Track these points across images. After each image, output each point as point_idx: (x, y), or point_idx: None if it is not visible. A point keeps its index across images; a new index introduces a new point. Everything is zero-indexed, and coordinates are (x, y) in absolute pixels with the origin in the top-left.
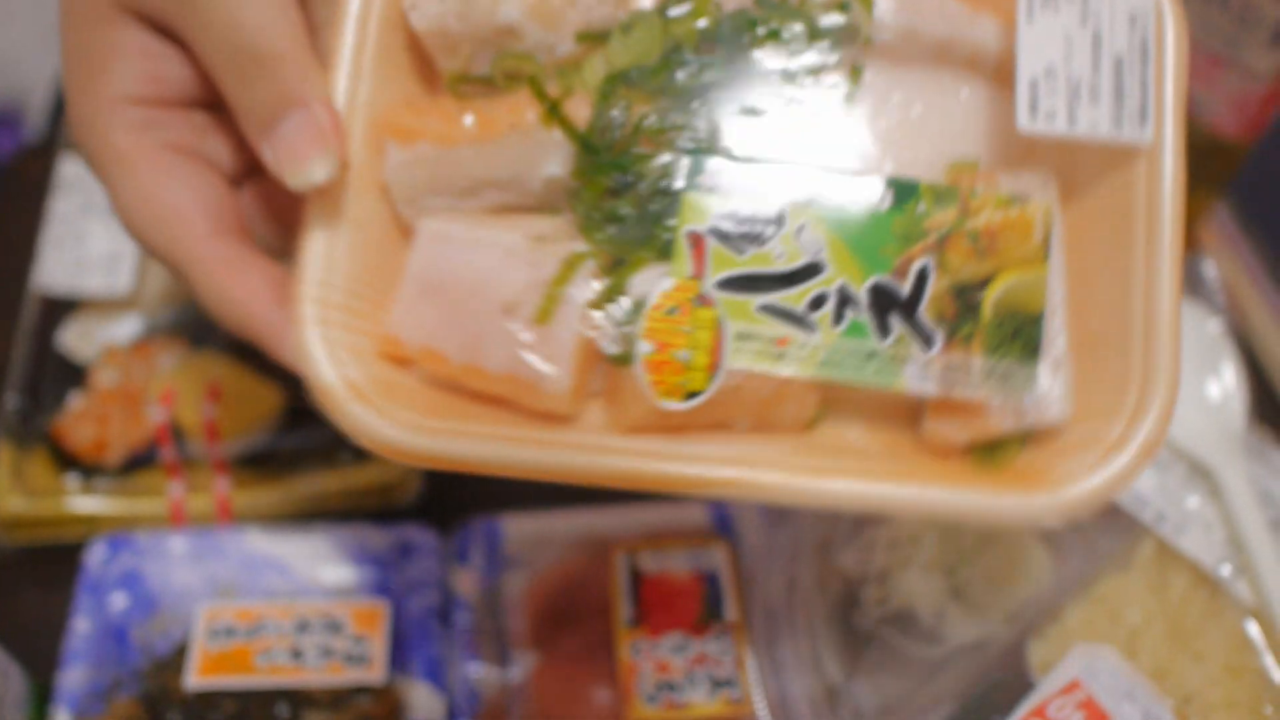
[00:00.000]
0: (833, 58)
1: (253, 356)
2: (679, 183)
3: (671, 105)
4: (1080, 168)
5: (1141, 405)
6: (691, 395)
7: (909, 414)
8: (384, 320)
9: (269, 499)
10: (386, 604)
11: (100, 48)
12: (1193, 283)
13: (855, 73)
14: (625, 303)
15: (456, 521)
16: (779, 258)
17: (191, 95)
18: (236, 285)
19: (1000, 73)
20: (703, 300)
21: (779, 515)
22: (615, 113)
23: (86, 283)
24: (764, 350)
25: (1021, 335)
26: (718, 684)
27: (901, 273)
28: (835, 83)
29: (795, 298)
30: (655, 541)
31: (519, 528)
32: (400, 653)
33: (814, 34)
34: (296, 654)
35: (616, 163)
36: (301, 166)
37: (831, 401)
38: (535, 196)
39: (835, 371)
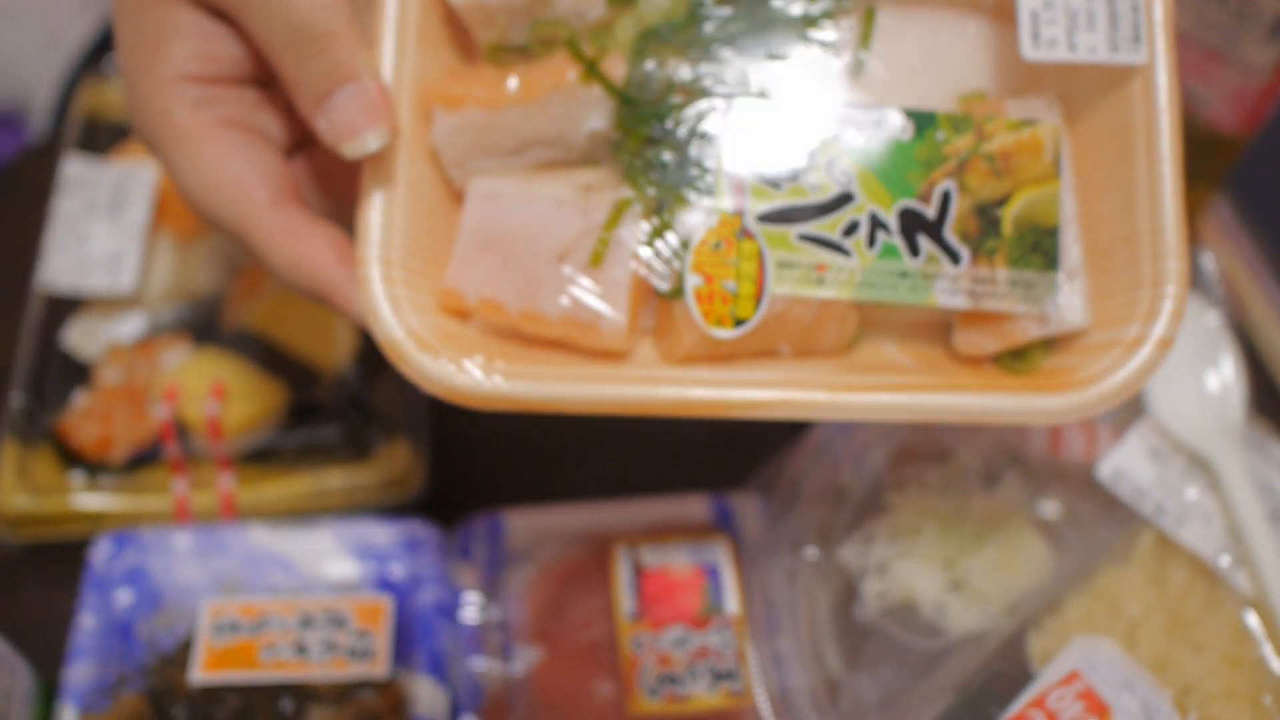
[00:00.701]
0: (848, 1)
1: (256, 353)
2: (714, 127)
3: (701, 56)
4: (1081, 91)
5: (1155, 305)
6: (740, 323)
7: (941, 329)
8: (442, 276)
9: (273, 495)
10: (390, 599)
11: (156, 30)
12: (1192, 275)
13: (869, 15)
14: (672, 240)
15: (459, 517)
16: (813, 190)
17: (243, 72)
18: (302, 248)
19: (1000, 9)
20: (745, 234)
21: (779, 509)
22: (649, 67)
23: (90, 282)
24: (805, 276)
25: (1040, 247)
26: (719, 676)
27: (926, 197)
28: (851, 25)
29: (830, 225)
30: (656, 535)
31: (521, 522)
32: (404, 647)
33: None
34: (301, 649)
35: (655, 112)
36: (356, 136)
37: (869, 323)
38: (579, 151)
39: (872, 292)
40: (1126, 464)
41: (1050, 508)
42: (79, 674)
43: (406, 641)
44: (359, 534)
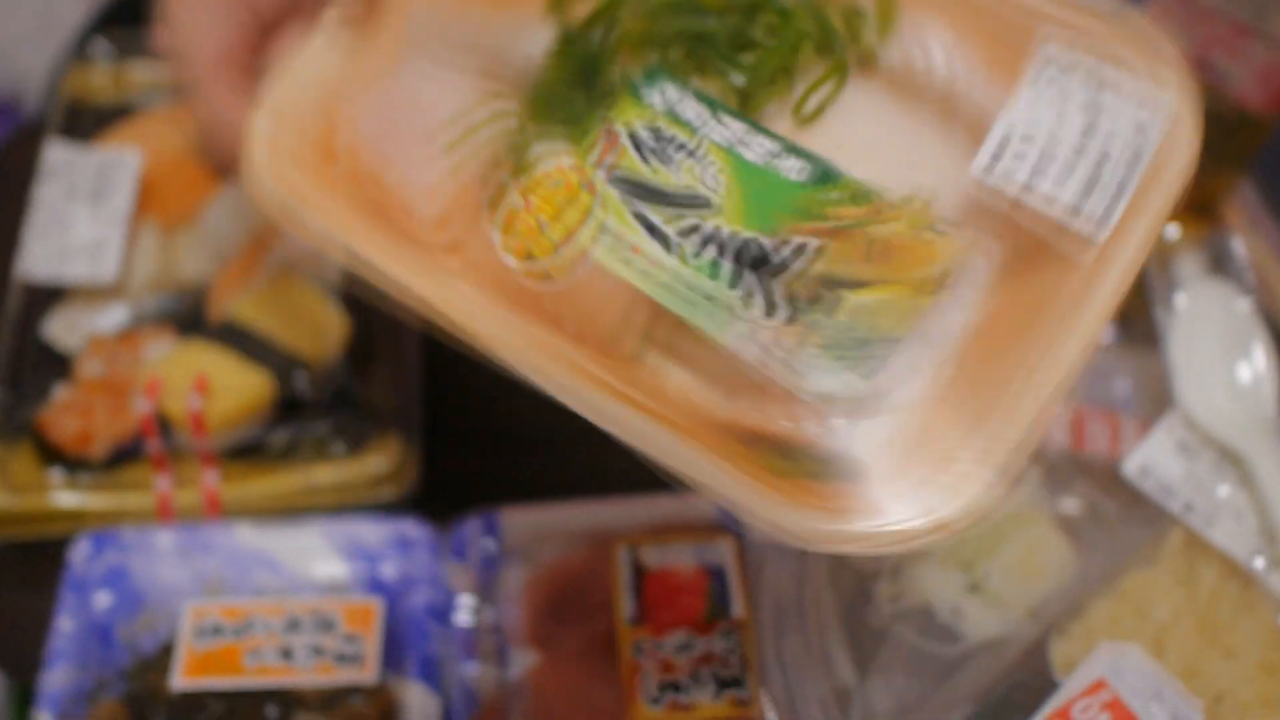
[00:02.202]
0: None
1: (242, 345)
2: (627, 93)
3: (663, 41)
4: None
5: (961, 481)
6: (529, 258)
7: (733, 386)
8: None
9: (259, 492)
10: (380, 601)
11: None
12: (1220, 261)
13: (840, 73)
14: (521, 160)
15: (454, 515)
16: (678, 181)
17: None
18: (225, 102)
19: (976, 126)
20: (589, 186)
21: None
22: (604, 28)
23: (70, 270)
24: (615, 249)
25: (867, 350)
26: (724, 684)
27: (782, 241)
28: (826, 77)
29: (671, 219)
30: (659, 535)
31: (518, 521)
32: (394, 652)
33: (823, 34)
34: (286, 653)
35: (585, 57)
36: None
37: (673, 351)
38: (513, 73)
39: (669, 296)
40: (1153, 459)
41: (1073, 506)
42: (56, 679)
43: (397, 645)
44: (348, 533)
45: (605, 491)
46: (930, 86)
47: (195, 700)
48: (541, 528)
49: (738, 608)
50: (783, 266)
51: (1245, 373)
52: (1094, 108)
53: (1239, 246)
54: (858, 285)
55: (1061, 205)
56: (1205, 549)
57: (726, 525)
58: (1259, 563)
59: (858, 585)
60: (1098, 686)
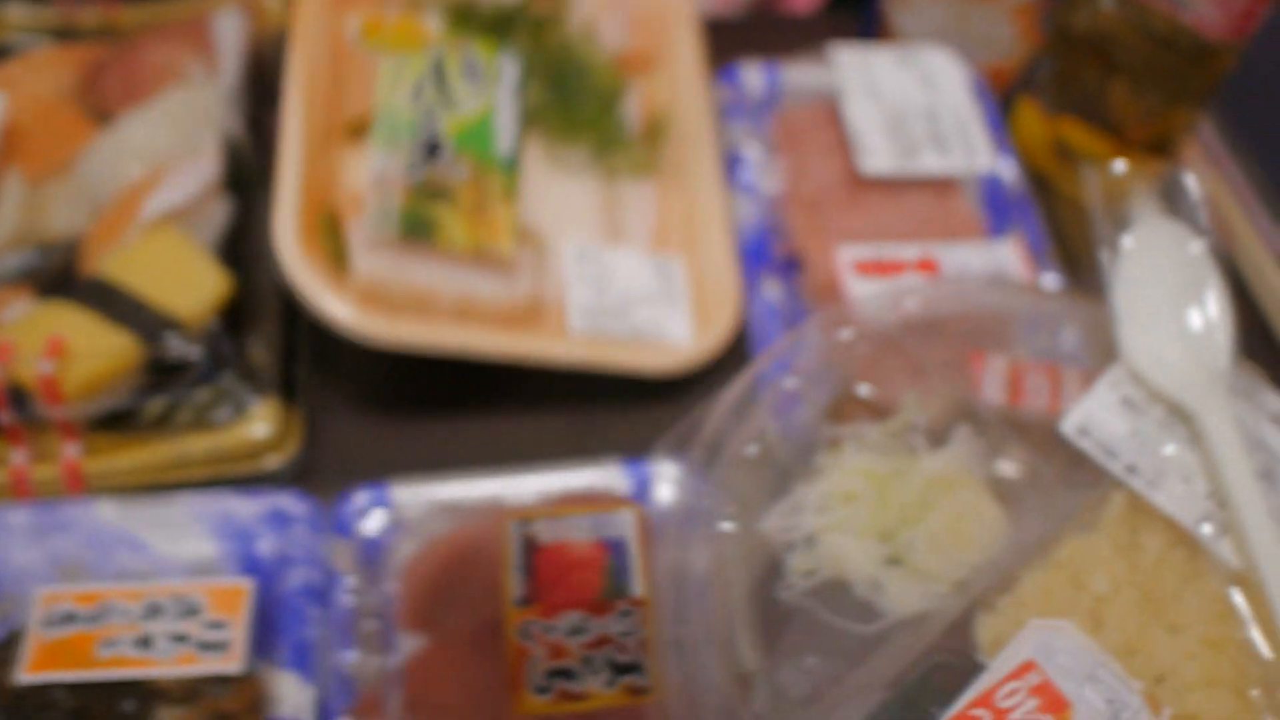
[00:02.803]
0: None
1: (108, 305)
2: None
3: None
4: None
5: None
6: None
7: None
8: None
9: (126, 466)
10: (250, 583)
11: None
12: (1172, 200)
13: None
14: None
15: (338, 489)
16: None
17: None
18: None
19: None
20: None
21: (694, 475)
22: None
23: None
24: None
25: None
26: (620, 669)
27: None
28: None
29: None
30: (555, 506)
31: (409, 495)
32: (266, 639)
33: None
34: (144, 642)
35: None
36: None
37: None
38: None
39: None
40: (1095, 416)
41: (1007, 468)
42: None
43: (270, 631)
44: (220, 508)
45: (510, 463)
46: None
47: (41, 695)
48: (434, 501)
49: (638, 586)
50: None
51: (1196, 321)
52: None
53: (1193, 183)
54: None
55: None
56: (1149, 514)
57: (631, 495)
58: (1206, 529)
59: (768, 559)
60: (1026, 668)
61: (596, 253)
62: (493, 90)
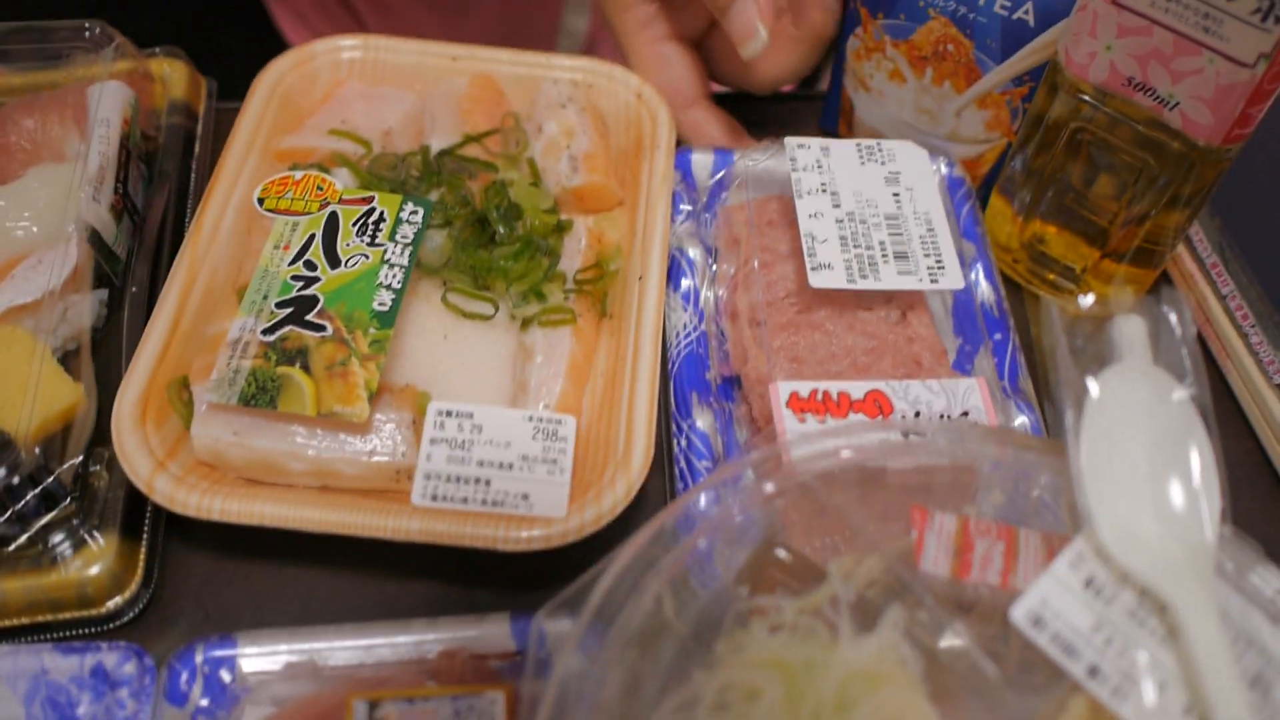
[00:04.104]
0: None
1: None
2: None
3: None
4: None
5: None
6: None
7: None
8: None
9: None
10: None
11: None
12: (1154, 334)
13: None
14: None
15: (184, 639)
16: None
17: None
18: (706, 131)
19: None
20: None
21: (583, 653)
22: None
23: None
24: None
25: None
26: None
27: None
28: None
29: None
30: (413, 684)
31: (258, 651)
32: None
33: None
34: None
35: None
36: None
37: None
38: None
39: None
40: (1052, 602)
41: (946, 662)
42: None
43: None
44: (29, 665)
45: (378, 616)
46: None
47: None
48: (286, 662)
49: None
50: None
51: (1176, 487)
52: None
53: (1176, 317)
54: None
55: None
56: None
57: (501, 672)
58: None
59: None
60: None
61: (464, 412)
62: (384, 244)
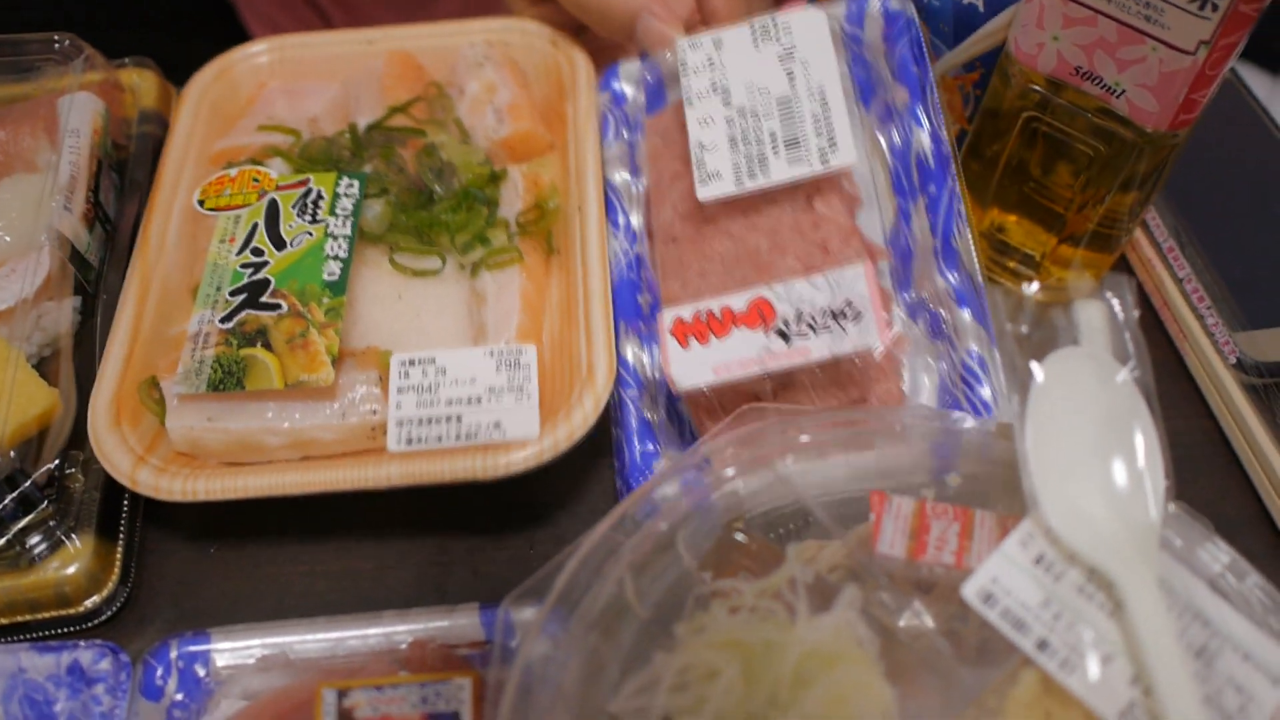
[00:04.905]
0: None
1: None
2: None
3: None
4: None
5: None
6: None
7: None
8: None
9: None
10: None
11: None
12: (1103, 320)
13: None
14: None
15: (160, 634)
16: None
17: None
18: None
19: None
20: None
21: (547, 637)
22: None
23: None
24: None
25: None
26: None
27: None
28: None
29: None
30: (383, 673)
31: (231, 645)
32: None
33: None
34: None
35: None
36: None
37: None
38: None
39: None
40: (1002, 580)
41: (902, 639)
42: None
43: None
44: (9, 665)
45: (349, 609)
46: None
47: None
48: (259, 656)
49: None
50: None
51: (1120, 467)
52: None
53: (1119, 302)
54: None
55: None
56: (1064, 699)
57: (470, 660)
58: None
59: None
60: None
61: (426, 359)
62: (325, 219)
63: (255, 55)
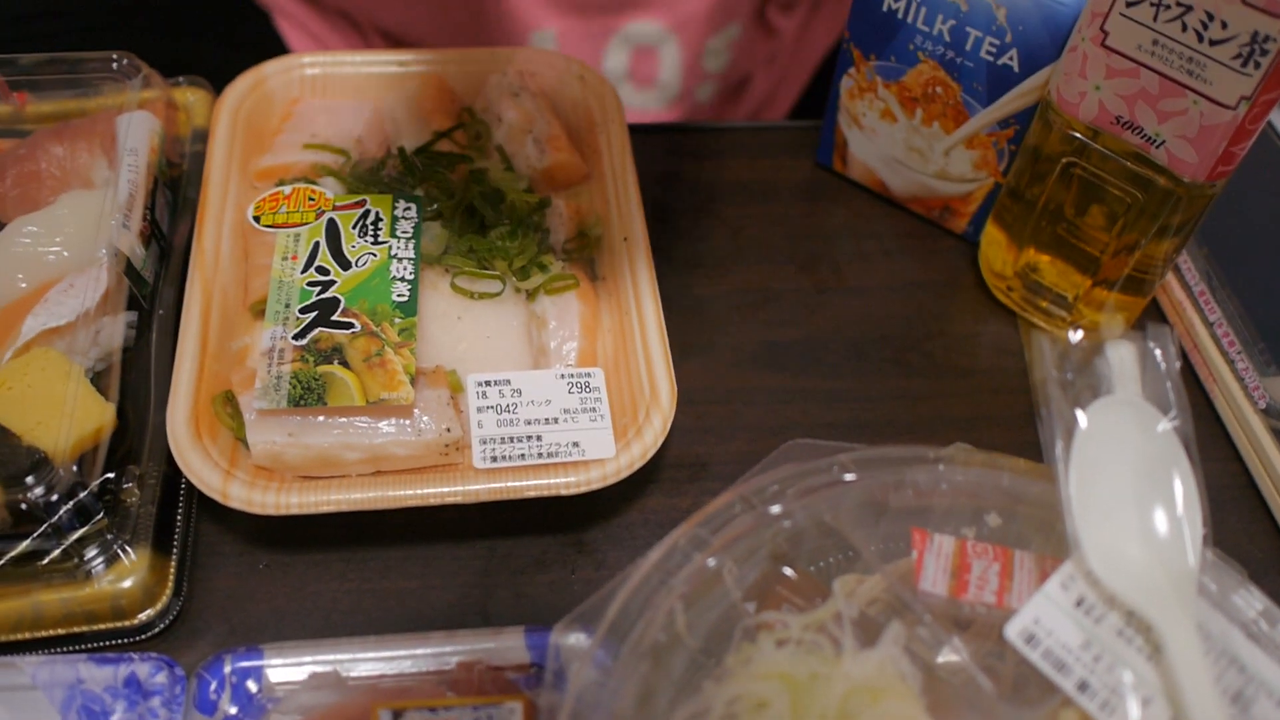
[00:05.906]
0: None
1: None
2: None
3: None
4: None
5: None
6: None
7: None
8: None
9: None
10: None
11: None
12: (1142, 365)
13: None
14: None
15: (213, 649)
16: None
17: None
18: None
19: None
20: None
21: (597, 664)
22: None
23: None
24: None
25: None
26: None
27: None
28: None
29: None
30: (435, 694)
31: (284, 662)
32: None
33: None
34: None
35: None
36: None
37: None
38: None
39: None
40: (1044, 620)
41: (944, 675)
42: None
43: None
44: (65, 675)
45: (398, 629)
46: None
47: None
48: (312, 672)
49: None
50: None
51: (1161, 514)
52: None
53: (1161, 351)
54: None
55: None
56: None
57: (517, 683)
58: None
59: None
60: None
61: (501, 380)
62: (387, 241)
63: (290, 69)
